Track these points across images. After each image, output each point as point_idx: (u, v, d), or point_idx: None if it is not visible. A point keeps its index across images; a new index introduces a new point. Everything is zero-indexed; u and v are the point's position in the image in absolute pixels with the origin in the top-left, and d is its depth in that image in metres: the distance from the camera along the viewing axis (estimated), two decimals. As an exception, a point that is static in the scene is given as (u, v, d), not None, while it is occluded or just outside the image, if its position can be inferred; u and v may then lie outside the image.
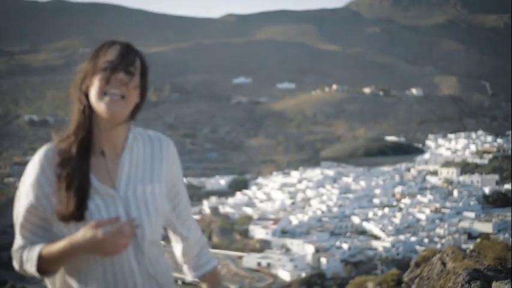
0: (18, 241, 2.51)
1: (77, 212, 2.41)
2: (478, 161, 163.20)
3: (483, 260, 18.40)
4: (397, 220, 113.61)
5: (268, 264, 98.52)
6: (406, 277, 20.51)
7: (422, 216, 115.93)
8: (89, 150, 2.50)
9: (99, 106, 2.43)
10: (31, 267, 2.42)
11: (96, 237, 2.28)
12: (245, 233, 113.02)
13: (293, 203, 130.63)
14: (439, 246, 75.75)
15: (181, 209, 2.95)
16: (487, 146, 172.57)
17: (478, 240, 53.63)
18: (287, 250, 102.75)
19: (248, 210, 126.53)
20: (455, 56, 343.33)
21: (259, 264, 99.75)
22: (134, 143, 2.62)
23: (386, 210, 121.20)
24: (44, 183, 2.46)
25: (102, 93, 2.42)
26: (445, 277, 18.46)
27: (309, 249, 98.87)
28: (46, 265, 2.41)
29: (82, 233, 2.33)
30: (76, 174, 2.43)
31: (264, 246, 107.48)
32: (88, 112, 2.47)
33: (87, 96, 2.47)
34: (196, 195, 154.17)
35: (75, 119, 2.49)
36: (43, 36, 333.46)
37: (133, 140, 2.62)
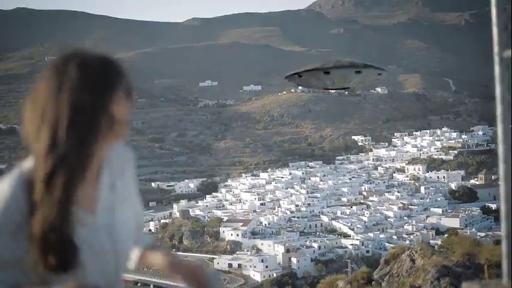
0: None
1: (70, 263, 2.12)
2: (443, 157, 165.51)
3: (451, 256, 18.92)
4: (365, 218, 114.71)
5: (239, 265, 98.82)
6: (376, 275, 20.94)
7: (390, 213, 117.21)
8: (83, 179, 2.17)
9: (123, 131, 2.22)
10: None
11: None
12: (216, 235, 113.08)
13: (262, 204, 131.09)
14: (407, 242, 76.70)
15: (139, 220, 2.56)
16: (452, 142, 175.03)
17: (446, 235, 54.58)
18: (258, 251, 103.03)
19: (218, 213, 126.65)
20: (418, 54, 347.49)
21: (230, 265, 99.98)
22: (110, 160, 2.34)
23: (354, 208, 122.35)
24: (15, 220, 2.13)
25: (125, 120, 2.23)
26: (415, 274, 18.98)
27: (280, 250, 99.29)
28: None
29: None
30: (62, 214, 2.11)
31: (234, 247, 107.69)
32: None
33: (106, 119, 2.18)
34: (166, 199, 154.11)
35: (62, 137, 2.10)
36: (8, 44, 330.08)
37: (109, 157, 2.33)
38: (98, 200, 2.26)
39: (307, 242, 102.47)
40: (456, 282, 13.27)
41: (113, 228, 2.28)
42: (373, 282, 19.94)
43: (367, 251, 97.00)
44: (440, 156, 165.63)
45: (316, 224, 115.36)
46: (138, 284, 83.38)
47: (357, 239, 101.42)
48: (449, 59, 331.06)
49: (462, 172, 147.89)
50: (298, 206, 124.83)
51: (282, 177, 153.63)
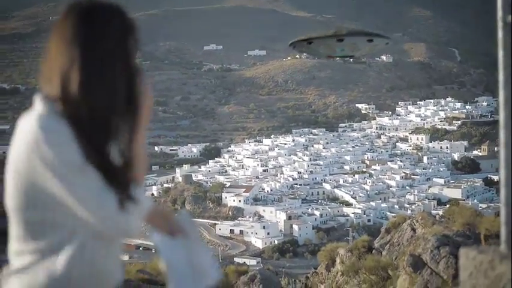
0: (112, 202, 1.95)
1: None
2: (447, 127, 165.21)
3: (452, 226, 18.97)
4: (367, 186, 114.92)
5: (241, 232, 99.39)
6: (376, 243, 21.02)
7: (392, 183, 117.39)
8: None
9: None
10: (140, 216, 2.01)
11: None
12: (218, 201, 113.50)
13: (265, 171, 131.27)
14: (409, 212, 76.95)
15: None
16: (455, 112, 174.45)
17: (448, 206, 54.64)
18: (259, 217, 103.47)
19: (220, 178, 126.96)
20: (425, 22, 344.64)
21: (232, 231, 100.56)
22: None
23: (356, 176, 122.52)
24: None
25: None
26: (415, 243, 19.04)
27: (281, 217, 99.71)
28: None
29: None
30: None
31: (236, 213, 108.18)
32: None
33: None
34: (169, 163, 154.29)
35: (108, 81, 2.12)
36: (12, 3, 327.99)
37: None
38: None
39: (309, 210, 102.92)
40: (456, 251, 13.30)
41: None
42: (373, 251, 20.02)
43: (369, 220, 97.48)
44: (443, 127, 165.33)
45: (318, 192, 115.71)
46: (140, 248, 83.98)
47: (358, 208, 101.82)
48: (455, 28, 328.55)
49: (465, 143, 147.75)
50: (300, 173, 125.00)
51: (285, 144, 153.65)
